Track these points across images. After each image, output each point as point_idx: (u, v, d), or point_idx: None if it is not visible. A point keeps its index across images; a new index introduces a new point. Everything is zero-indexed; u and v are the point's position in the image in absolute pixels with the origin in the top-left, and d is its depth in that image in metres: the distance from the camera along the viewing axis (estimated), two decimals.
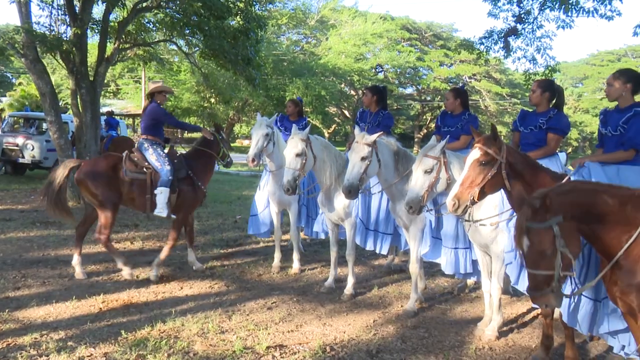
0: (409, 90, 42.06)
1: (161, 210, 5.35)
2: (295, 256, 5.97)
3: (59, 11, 9.78)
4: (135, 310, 4.48)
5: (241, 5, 10.08)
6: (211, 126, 7.66)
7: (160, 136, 5.65)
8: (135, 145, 5.78)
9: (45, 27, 9.78)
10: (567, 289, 3.03)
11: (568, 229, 2.46)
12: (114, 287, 5.08)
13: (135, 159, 5.45)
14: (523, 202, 2.52)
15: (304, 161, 4.67)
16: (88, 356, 3.54)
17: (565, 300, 2.96)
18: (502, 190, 3.37)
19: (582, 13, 10.48)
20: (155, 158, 5.42)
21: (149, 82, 5.92)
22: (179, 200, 5.51)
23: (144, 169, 5.39)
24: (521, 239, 2.47)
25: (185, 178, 5.58)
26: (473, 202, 3.25)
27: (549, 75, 11.96)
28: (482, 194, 3.25)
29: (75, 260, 5.37)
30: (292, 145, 4.68)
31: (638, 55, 42.94)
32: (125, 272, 5.24)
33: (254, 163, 5.41)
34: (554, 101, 4.13)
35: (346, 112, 36.98)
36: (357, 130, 4.51)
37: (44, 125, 12.98)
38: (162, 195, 5.33)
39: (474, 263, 4.50)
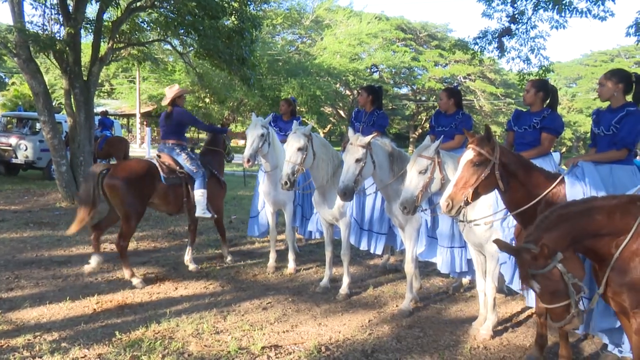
0: (404, 90, 42.17)
1: (203, 212, 5.48)
2: (291, 256, 5.96)
3: (52, 10, 9.74)
4: (129, 311, 4.46)
5: (236, 5, 10.07)
6: None
7: (185, 140, 5.77)
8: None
9: (39, 26, 9.76)
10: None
11: (569, 258, 2.51)
12: (108, 287, 5.06)
13: (167, 163, 5.46)
14: (518, 251, 2.53)
15: (304, 156, 4.66)
16: (82, 357, 3.52)
17: None
18: (496, 190, 3.38)
19: (576, 13, 10.55)
20: (189, 162, 5.51)
21: (168, 88, 5.92)
22: (209, 198, 5.61)
23: (178, 174, 5.46)
24: (530, 284, 2.52)
25: (211, 177, 5.77)
26: (467, 203, 3.25)
27: (543, 75, 12.02)
28: (476, 195, 3.26)
29: (97, 259, 5.11)
30: (295, 139, 4.66)
31: (631, 55, 43.22)
32: (135, 282, 5.11)
33: (249, 163, 5.41)
34: (547, 101, 4.15)
35: (341, 112, 37.01)
36: (351, 132, 4.51)
37: (37, 125, 12.92)
38: (202, 197, 5.47)
39: (469, 262, 4.52)
